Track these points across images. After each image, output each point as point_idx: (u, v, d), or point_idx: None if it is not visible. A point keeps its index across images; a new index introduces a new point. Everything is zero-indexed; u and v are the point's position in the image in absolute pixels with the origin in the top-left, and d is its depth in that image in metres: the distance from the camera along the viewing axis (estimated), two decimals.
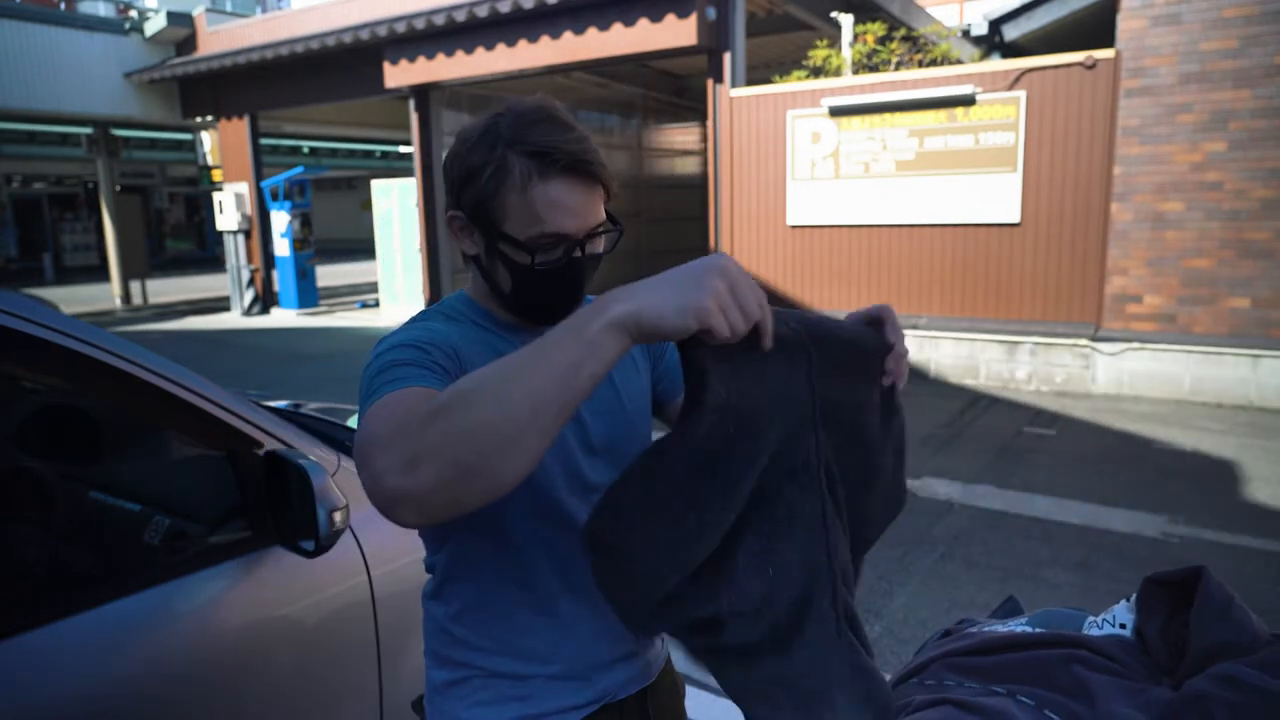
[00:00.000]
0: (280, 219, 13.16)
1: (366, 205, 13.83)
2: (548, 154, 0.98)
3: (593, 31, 8.65)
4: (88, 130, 15.23)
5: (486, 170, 1.00)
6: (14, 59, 12.06)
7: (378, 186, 12.65)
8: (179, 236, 26.63)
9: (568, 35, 8.81)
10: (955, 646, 1.12)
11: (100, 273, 18.21)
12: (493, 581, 1.10)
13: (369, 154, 27.39)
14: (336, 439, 1.91)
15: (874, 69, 8.74)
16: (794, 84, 8.23)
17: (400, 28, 9.63)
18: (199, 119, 14.25)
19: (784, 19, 9.85)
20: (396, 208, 12.29)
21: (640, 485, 0.82)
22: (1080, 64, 6.80)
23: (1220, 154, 6.47)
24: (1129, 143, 6.73)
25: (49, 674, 1.30)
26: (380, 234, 12.66)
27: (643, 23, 8.32)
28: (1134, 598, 1.11)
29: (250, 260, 13.63)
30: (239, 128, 13.40)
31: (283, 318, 13.24)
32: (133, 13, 14.11)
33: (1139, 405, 6.60)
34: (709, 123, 8.72)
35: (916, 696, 1.03)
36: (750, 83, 8.58)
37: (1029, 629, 1.13)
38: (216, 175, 14.70)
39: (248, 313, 13.58)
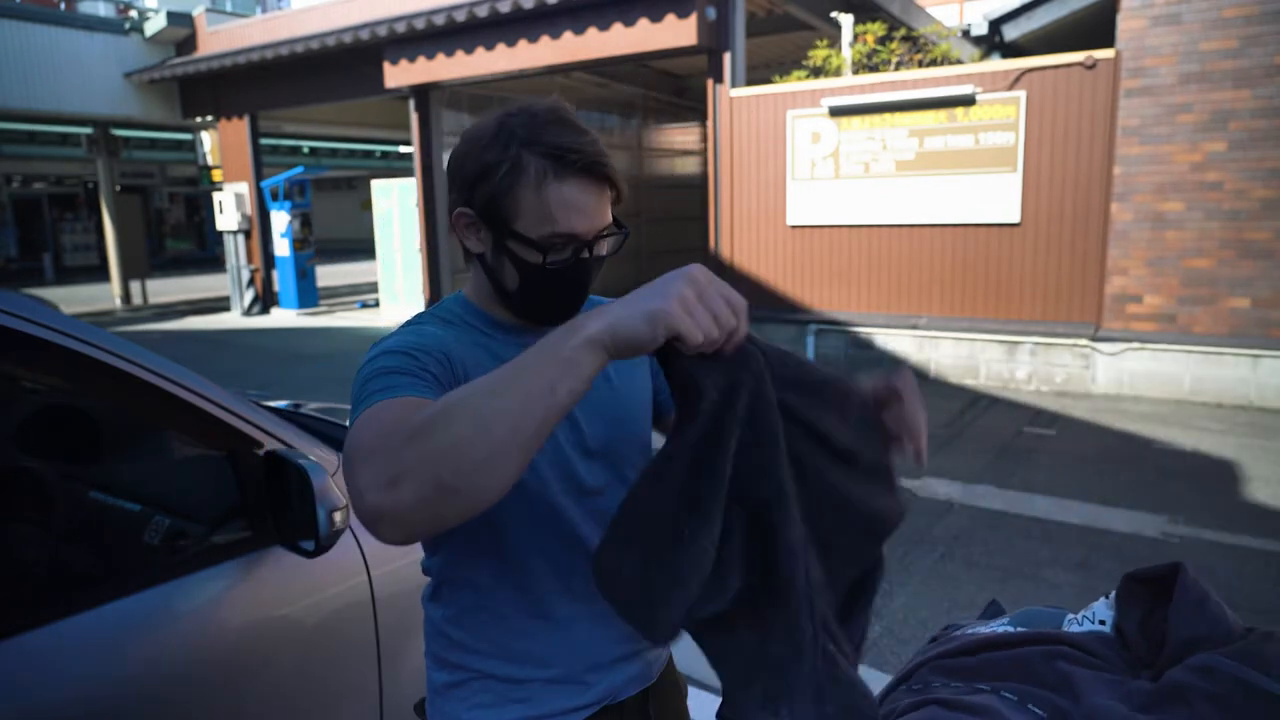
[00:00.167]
0: (280, 219, 13.16)
1: (366, 205, 13.82)
2: (564, 154, 0.99)
3: (593, 31, 8.66)
4: (88, 130, 15.23)
5: (502, 168, 1.00)
6: (14, 59, 12.06)
7: (378, 186, 12.66)
8: (179, 236, 26.62)
9: (568, 35, 8.81)
10: (940, 650, 1.14)
11: (100, 273, 18.21)
12: (489, 585, 1.09)
13: (369, 154, 27.39)
14: (336, 439, 1.91)
15: (874, 69, 8.74)
16: (794, 84, 8.23)
17: (400, 28, 9.64)
18: (199, 119, 14.25)
19: (784, 19, 9.86)
20: (396, 208, 12.29)
21: (647, 502, 0.84)
22: (1080, 64, 6.80)
23: (1220, 154, 6.47)
24: (1129, 143, 6.73)
25: (49, 674, 1.30)
26: (380, 234, 12.66)
27: (643, 23, 8.32)
28: (1113, 594, 1.14)
29: (250, 260, 13.63)
30: (239, 128, 13.40)
31: (283, 318, 13.24)
32: (133, 13, 14.11)
33: (1139, 405, 6.60)
34: (709, 123, 8.72)
35: (904, 701, 1.05)
36: (750, 83, 8.58)
37: (1011, 628, 1.16)
38: (216, 175, 14.70)
39: (248, 313, 13.58)
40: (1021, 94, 7.00)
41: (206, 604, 1.52)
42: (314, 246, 13.69)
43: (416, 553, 1.21)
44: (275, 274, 13.60)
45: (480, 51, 9.47)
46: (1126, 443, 5.70)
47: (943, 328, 7.59)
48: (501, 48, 9.29)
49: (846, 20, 8.72)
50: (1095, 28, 8.35)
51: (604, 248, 1.07)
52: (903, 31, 9.30)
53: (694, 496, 0.84)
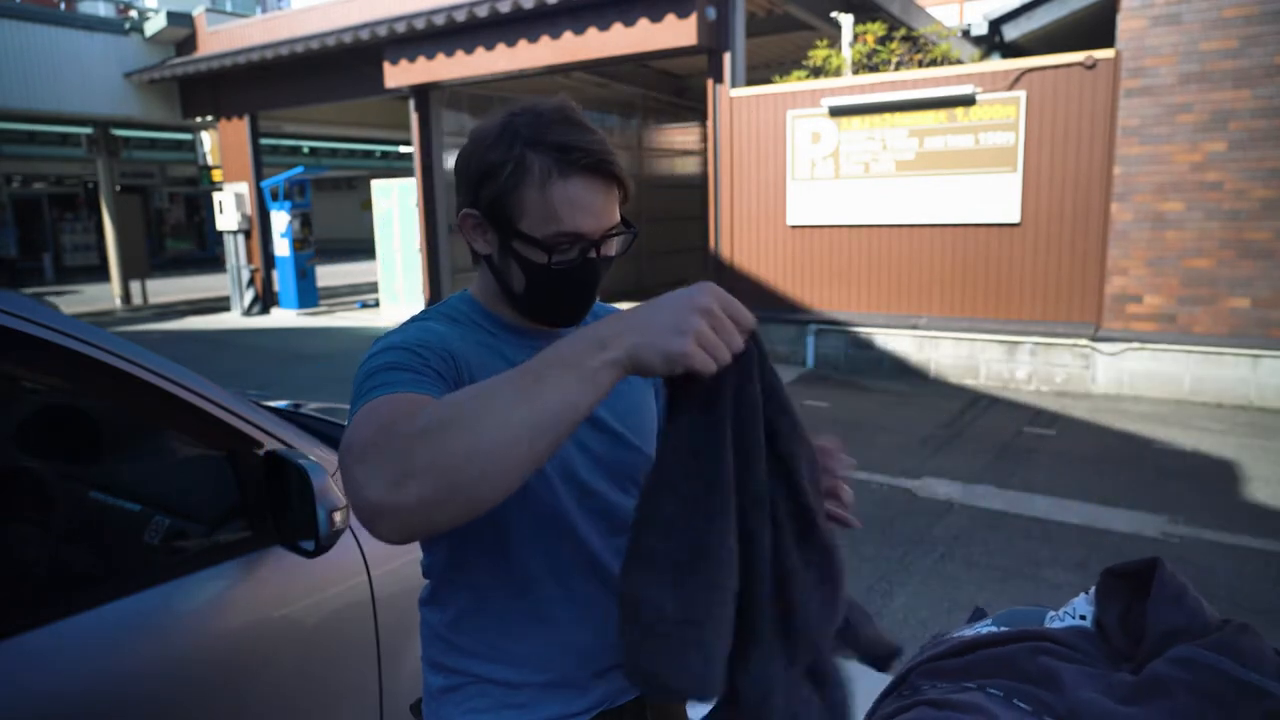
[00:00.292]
0: (280, 219, 13.16)
1: (366, 205, 13.82)
2: (568, 153, 0.98)
3: (593, 31, 8.66)
4: (88, 130, 15.23)
5: (506, 167, 0.99)
6: (14, 59, 12.06)
7: (378, 186, 12.65)
8: (179, 236, 26.61)
9: (568, 35, 8.81)
10: (927, 655, 1.16)
11: (100, 273, 18.21)
12: (488, 588, 1.09)
13: (369, 154, 27.38)
14: (336, 439, 1.91)
15: (874, 69, 8.74)
16: (794, 84, 8.23)
17: (400, 28, 9.64)
18: (199, 119, 14.25)
19: (784, 19, 9.86)
20: (396, 208, 12.29)
21: (663, 514, 0.84)
22: (1080, 64, 6.80)
23: (1220, 154, 6.47)
24: (1129, 143, 6.73)
25: (49, 674, 1.30)
26: (380, 234, 12.66)
27: (643, 23, 8.32)
28: (1093, 590, 1.16)
29: (250, 260, 13.63)
30: (239, 128, 13.41)
31: (283, 318, 13.24)
32: (133, 13, 14.11)
33: (1139, 405, 6.60)
34: (709, 123, 8.72)
35: (892, 706, 1.06)
36: (750, 83, 8.58)
37: (994, 629, 1.18)
38: (216, 175, 14.70)
39: (248, 313, 13.58)
40: (1021, 94, 7.00)
41: (206, 604, 1.52)
42: (314, 246, 13.69)
43: (416, 552, 1.21)
44: (275, 274, 13.60)
45: (480, 51, 9.47)
46: (1126, 443, 5.70)
47: (943, 328, 7.59)
48: (501, 48, 9.29)
49: (846, 20, 8.72)
50: (1095, 28, 8.35)
51: (612, 248, 1.06)
52: (903, 31, 9.30)
53: (703, 499, 0.84)
